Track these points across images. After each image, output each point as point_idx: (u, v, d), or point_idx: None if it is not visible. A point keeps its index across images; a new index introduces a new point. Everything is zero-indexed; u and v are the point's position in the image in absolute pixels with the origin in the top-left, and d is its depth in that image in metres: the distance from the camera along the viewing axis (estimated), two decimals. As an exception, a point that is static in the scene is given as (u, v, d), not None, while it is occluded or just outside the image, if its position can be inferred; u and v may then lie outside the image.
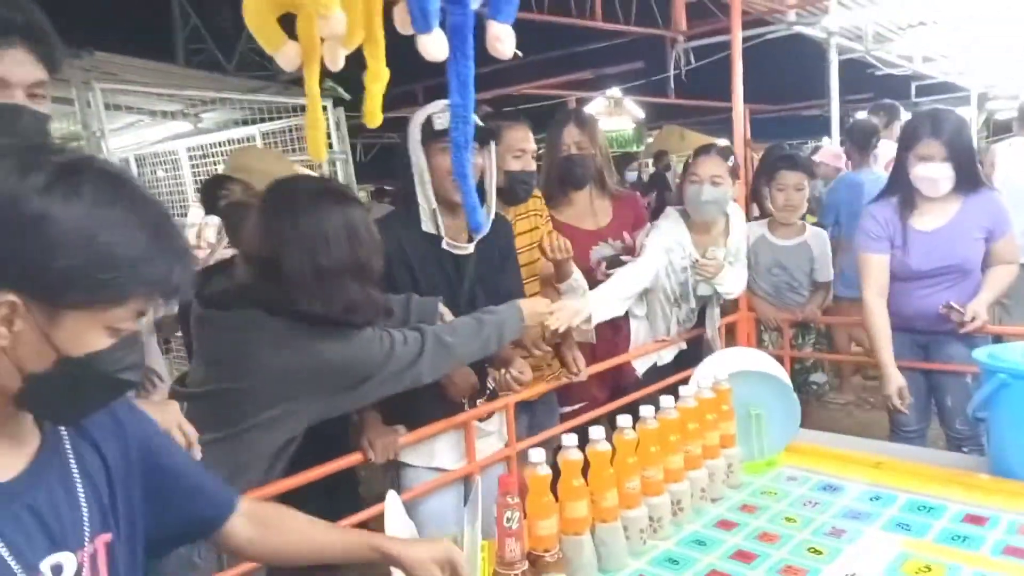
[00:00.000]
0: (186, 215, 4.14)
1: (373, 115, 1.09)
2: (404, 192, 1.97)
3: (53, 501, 0.89)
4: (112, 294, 0.82)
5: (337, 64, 1.13)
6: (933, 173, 2.41)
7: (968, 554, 1.48)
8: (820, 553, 1.52)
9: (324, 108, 3.90)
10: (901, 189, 2.52)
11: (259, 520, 1.17)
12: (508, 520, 1.37)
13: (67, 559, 0.89)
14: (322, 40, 1.15)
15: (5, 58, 1.21)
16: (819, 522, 1.66)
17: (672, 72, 5.91)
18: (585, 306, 2.15)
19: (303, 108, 4.17)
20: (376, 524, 1.51)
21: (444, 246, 1.96)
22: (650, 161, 10.51)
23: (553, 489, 1.46)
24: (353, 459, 1.88)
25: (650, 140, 12.78)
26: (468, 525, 1.39)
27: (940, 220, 2.49)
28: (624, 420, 1.62)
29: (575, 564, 1.48)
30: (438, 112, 1.90)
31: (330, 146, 4.03)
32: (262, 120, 3.96)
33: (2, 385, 0.84)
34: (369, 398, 1.70)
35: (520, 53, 1.05)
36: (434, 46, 0.97)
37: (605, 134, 3.26)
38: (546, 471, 1.44)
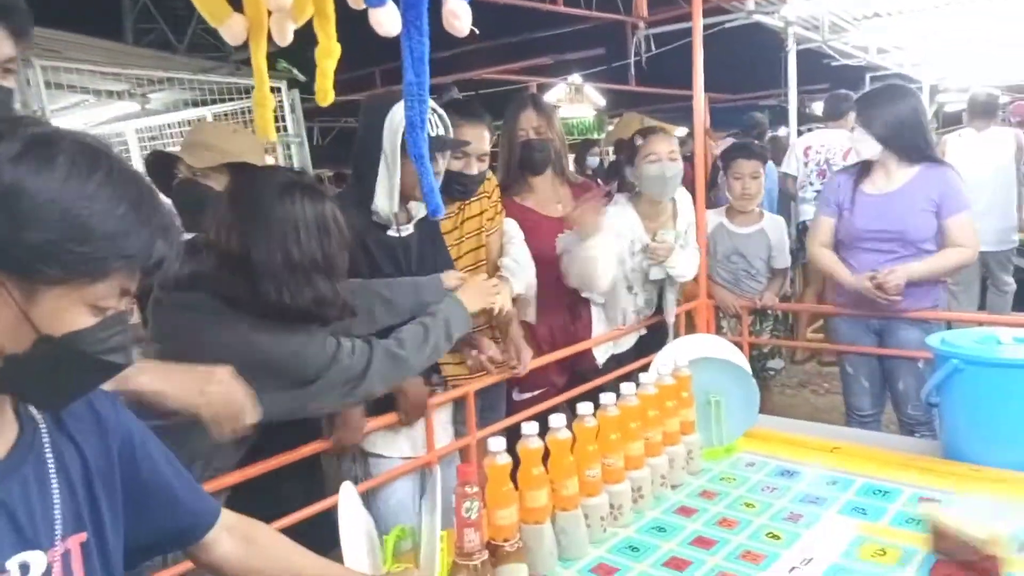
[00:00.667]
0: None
1: (325, 93, 1.05)
2: (359, 174, 1.93)
3: (26, 496, 0.85)
4: (90, 268, 0.79)
5: (285, 39, 1.07)
6: (861, 145, 2.61)
7: (922, 536, 1.50)
8: (778, 538, 1.53)
9: (278, 90, 3.80)
10: (859, 164, 2.69)
11: (243, 536, 1.12)
12: (467, 510, 1.34)
13: (36, 558, 0.84)
14: (269, 13, 1.10)
15: None
16: (777, 507, 1.67)
17: (633, 59, 5.90)
18: (510, 287, 2.17)
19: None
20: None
21: (391, 232, 1.95)
22: (610, 149, 10.54)
23: (513, 478, 1.44)
24: (316, 446, 1.83)
25: (611, 128, 12.83)
26: (426, 515, 1.36)
27: (889, 187, 2.60)
28: (585, 408, 1.60)
29: (535, 553, 1.46)
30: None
31: (285, 129, 3.93)
32: (213, 102, 3.84)
33: None
34: (315, 404, 1.64)
35: (477, 30, 1.01)
36: (387, 19, 0.93)
37: (565, 121, 3.25)
38: (505, 460, 1.42)
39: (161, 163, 2.29)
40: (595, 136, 12.55)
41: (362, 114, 1.96)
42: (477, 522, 1.35)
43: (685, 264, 2.70)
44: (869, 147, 2.59)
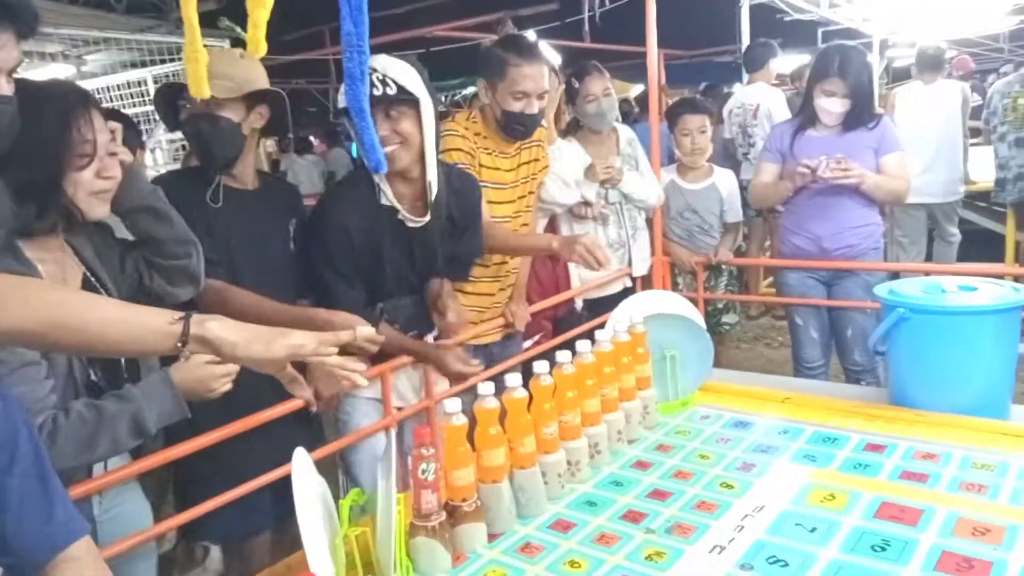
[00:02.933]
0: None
1: (257, 43, 1.00)
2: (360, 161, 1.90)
3: None
4: None
5: (217, -11, 1.02)
6: (834, 107, 2.66)
7: (868, 481, 1.54)
8: (732, 487, 1.56)
9: (220, 48, 3.66)
10: (804, 114, 2.79)
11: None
12: (423, 472, 1.34)
13: None
14: (200, -38, 1.04)
15: None
16: (731, 458, 1.70)
17: (587, 15, 5.83)
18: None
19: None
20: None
21: (400, 218, 1.92)
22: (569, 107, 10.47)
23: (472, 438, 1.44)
24: (294, 405, 1.78)
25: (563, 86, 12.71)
26: (382, 479, 1.35)
27: (832, 132, 2.73)
28: (540, 366, 1.60)
29: (494, 512, 1.47)
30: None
31: (230, 90, 3.80)
32: (153, 63, 3.69)
33: None
34: None
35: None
36: (322, -33, 0.89)
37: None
38: (462, 421, 1.41)
39: (168, 96, 2.03)
40: (551, 95, 12.46)
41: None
42: (434, 483, 1.35)
43: (637, 185, 2.87)
44: (840, 105, 2.66)
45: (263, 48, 1.01)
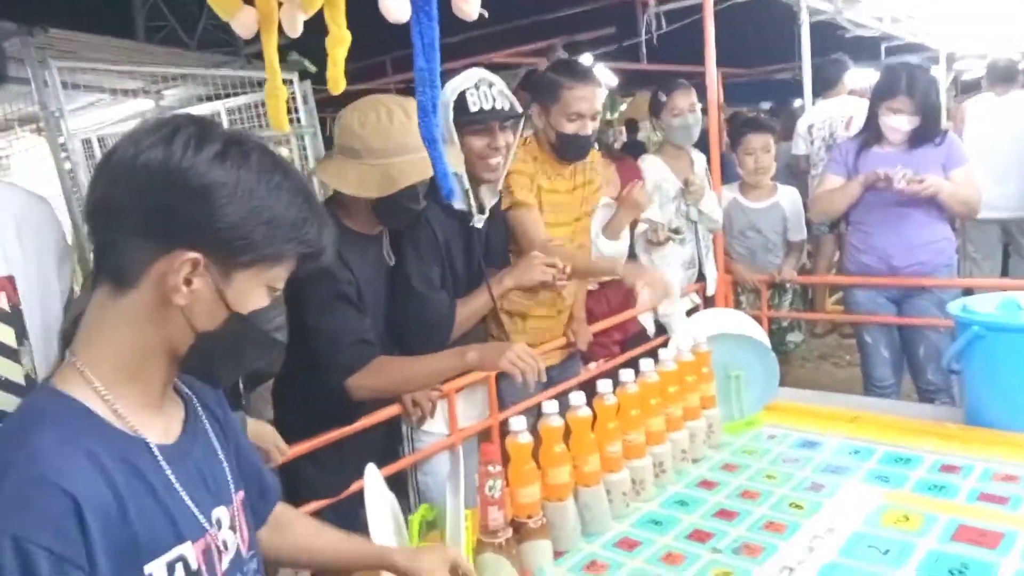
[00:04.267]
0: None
1: (336, 81, 1.06)
2: None
3: (207, 460, 0.96)
4: (275, 252, 0.88)
5: (296, 30, 1.08)
6: (902, 124, 2.62)
7: (944, 503, 1.50)
8: (801, 508, 1.54)
9: (290, 81, 3.82)
10: (868, 131, 2.75)
11: (274, 519, 1.17)
12: (490, 488, 1.36)
13: (223, 513, 0.96)
14: (280, 4, 1.11)
15: None
16: (799, 478, 1.68)
17: (644, 37, 5.85)
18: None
19: (269, 82, 4.09)
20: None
21: (473, 222, 1.98)
22: (623, 129, 10.46)
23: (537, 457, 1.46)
24: (391, 411, 1.91)
25: (623, 108, 12.74)
26: (451, 495, 1.38)
27: (898, 149, 2.70)
28: (604, 386, 1.61)
29: (559, 529, 1.48)
30: (470, 88, 1.88)
31: (298, 120, 3.95)
32: (226, 96, 3.87)
33: (174, 346, 0.88)
34: None
35: (486, 13, 1.02)
36: (396, 6, 0.94)
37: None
38: (527, 439, 1.44)
39: None
40: (608, 116, 12.49)
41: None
42: (500, 500, 1.37)
43: (712, 205, 2.91)
44: (908, 123, 2.62)
45: (342, 84, 1.07)
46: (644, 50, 6.21)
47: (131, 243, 0.84)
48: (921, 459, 1.70)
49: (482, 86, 1.91)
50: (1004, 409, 1.78)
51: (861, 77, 5.87)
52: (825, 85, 4.69)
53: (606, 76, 11.44)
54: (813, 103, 6.04)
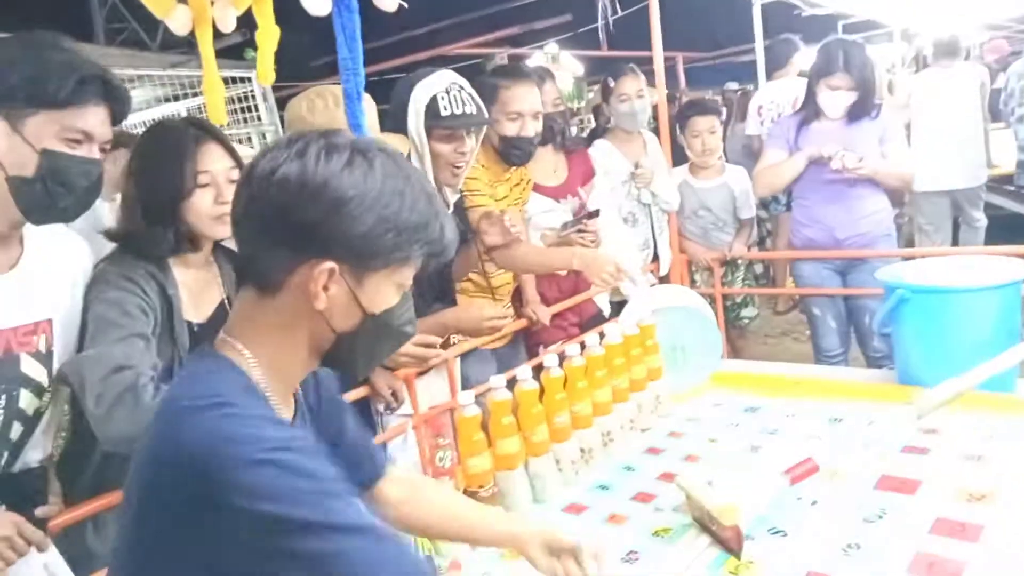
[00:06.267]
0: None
1: (266, 73, 1.12)
2: None
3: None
4: (404, 255, 0.93)
5: (228, 25, 1.14)
6: (840, 100, 2.71)
7: (872, 456, 1.60)
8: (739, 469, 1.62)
9: (248, 79, 3.84)
10: (808, 108, 2.83)
11: (409, 486, 1.21)
12: (440, 460, 1.44)
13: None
14: (212, 2, 1.17)
15: (88, 114, 1.22)
16: (740, 441, 1.77)
17: (600, 23, 5.90)
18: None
19: (231, 80, 4.10)
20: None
21: None
22: (590, 116, 10.52)
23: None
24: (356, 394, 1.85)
25: (591, 95, 12.79)
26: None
27: (836, 124, 2.78)
28: (550, 359, 1.69)
29: (510, 497, 1.56)
30: (441, 93, 1.87)
31: (258, 118, 3.98)
32: (186, 96, 3.88)
33: (318, 344, 0.94)
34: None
35: (405, 4, 1.08)
36: (316, 1, 1.00)
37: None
38: (474, 411, 1.51)
39: None
40: (575, 104, 12.52)
41: (392, 97, 1.94)
42: (450, 470, 1.45)
43: (665, 188, 2.96)
44: (846, 99, 2.69)
45: (272, 77, 1.13)
46: (602, 36, 6.25)
47: (272, 252, 0.89)
48: (854, 418, 1.79)
49: (452, 90, 1.89)
50: (930, 367, 1.86)
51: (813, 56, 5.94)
52: (775, 65, 4.78)
53: (572, 64, 11.51)
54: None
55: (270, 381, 0.92)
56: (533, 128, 2.23)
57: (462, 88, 1.91)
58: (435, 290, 2.11)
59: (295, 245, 0.88)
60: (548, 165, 2.69)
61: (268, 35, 1.13)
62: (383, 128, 1.96)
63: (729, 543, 1.32)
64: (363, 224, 0.88)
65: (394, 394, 1.93)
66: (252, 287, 0.92)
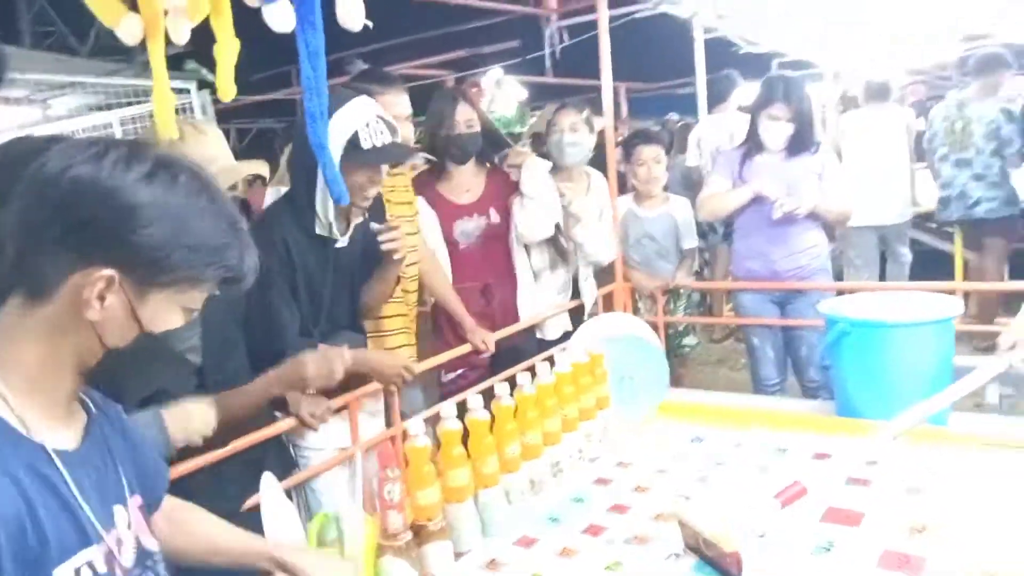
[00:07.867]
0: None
1: (225, 89, 1.07)
2: (297, 180, 1.91)
3: (104, 466, 0.96)
4: (195, 276, 0.90)
5: (182, 37, 1.09)
6: (780, 131, 2.81)
7: (817, 488, 1.62)
8: (688, 499, 1.62)
9: (187, 91, 3.73)
10: (751, 141, 2.92)
11: (168, 515, 1.16)
12: (389, 493, 1.39)
13: (121, 513, 0.96)
14: (166, 12, 1.12)
15: None
16: (687, 471, 1.77)
17: (547, 51, 5.99)
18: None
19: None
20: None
21: (338, 244, 1.94)
22: (528, 142, 10.63)
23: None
24: (285, 425, 1.83)
25: (533, 119, 12.92)
26: (348, 501, 1.40)
27: (777, 158, 2.88)
28: (502, 388, 1.66)
29: (459, 530, 1.52)
30: (364, 127, 1.82)
31: (197, 131, 3.85)
32: (119, 105, 3.74)
33: (82, 359, 0.90)
34: None
35: (371, 24, 1.06)
36: (279, 16, 0.97)
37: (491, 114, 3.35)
38: (424, 442, 1.47)
39: None
40: (517, 129, 12.64)
41: (300, 116, 1.92)
42: (399, 504, 1.40)
43: (593, 240, 2.81)
44: (785, 129, 2.79)
45: (232, 92, 1.08)
46: (548, 64, 6.34)
47: (50, 256, 0.84)
48: (797, 448, 1.83)
49: (371, 123, 1.85)
50: (869, 400, 1.93)
51: (751, 92, 6.15)
52: (716, 100, 4.93)
53: (515, 89, 11.63)
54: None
55: (31, 400, 0.87)
56: (400, 132, 2.16)
57: (380, 118, 1.87)
58: (347, 317, 2.06)
59: (75, 248, 0.84)
60: (461, 181, 2.70)
61: (227, 48, 1.09)
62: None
63: (730, 569, 1.32)
64: (153, 236, 0.85)
65: (313, 415, 1.87)
66: (20, 294, 0.87)
